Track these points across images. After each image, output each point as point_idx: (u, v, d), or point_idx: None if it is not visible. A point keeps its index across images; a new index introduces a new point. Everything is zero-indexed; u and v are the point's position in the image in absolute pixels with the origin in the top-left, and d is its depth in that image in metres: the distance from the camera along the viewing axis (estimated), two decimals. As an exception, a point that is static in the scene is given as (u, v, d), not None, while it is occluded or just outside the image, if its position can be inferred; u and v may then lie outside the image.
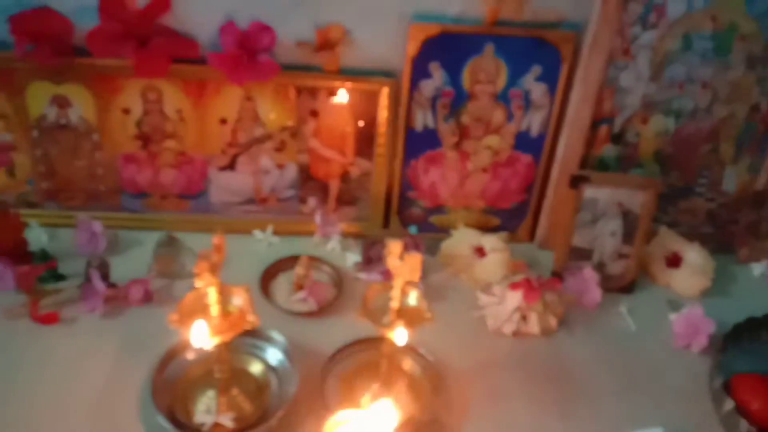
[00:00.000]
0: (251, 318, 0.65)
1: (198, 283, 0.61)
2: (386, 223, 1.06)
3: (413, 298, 0.71)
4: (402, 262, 0.65)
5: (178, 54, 0.89)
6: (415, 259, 0.64)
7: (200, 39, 0.90)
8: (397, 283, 0.67)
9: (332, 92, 0.95)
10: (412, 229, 1.05)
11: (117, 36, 0.85)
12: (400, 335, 0.66)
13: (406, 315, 0.69)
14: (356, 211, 1.04)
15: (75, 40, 0.88)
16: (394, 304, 0.68)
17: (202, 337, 0.62)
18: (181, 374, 0.76)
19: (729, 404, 0.77)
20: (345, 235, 1.03)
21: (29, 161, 0.96)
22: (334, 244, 1.02)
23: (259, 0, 0.88)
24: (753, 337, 0.91)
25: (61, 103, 0.92)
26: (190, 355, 0.77)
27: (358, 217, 1.05)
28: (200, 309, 0.65)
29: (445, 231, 1.04)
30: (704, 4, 0.90)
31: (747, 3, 0.91)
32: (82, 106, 0.92)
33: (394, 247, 0.65)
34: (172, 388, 0.74)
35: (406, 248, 0.96)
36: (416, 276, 0.65)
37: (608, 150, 1.00)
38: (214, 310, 0.64)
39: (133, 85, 0.91)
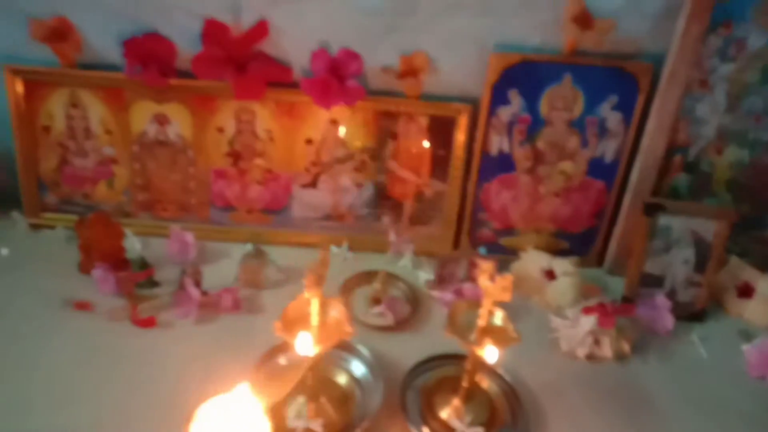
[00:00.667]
0: (347, 329, 0.69)
1: (306, 294, 0.65)
2: (456, 242, 1.09)
3: (498, 318, 0.73)
4: (494, 282, 0.68)
5: (273, 78, 0.95)
6: (507, 280, 0.67)
7: (293, 65, 0.96)
8: (486, 303, 0.70)
9: (412, 117, 0.99)
10: (482, 250, 1.08)
11: (219, 61, 0.92)
12: (490, 353, 0.68)
13: (492, 334, 0.72)
14: (428, 231, 1.08)
15: (177, 63, 0.95)
16: (482, 322, 0.71)
17: (307, 345, 0.66)
18: (274, 379, 0.80)
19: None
20: (416, 253, 1.06)
21: (128, 174, 1.03)
22: (405, 262, 1.06)
23: (349, 28, 0.93)
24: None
25: (161, 120, 0.99)
26: (281, 361, 0.81)
27: (429, 236, 1.08)
28: (301, 318, 0.69)
29: (513, 253, 1.07)
30: (785, 39, 0.92)
31: (830, 37, 0.92)
32: (180, 123, 0.99)
33: (487, 267, 0.68)
34: (265, 391, 0.78)
35: (475, 269, 1.00)
36: (507, 296, 0.68)
37: (681, 179, 1.02)
38: (315, 320, 0.68)
39: (228, 106, 0.98)
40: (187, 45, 0.94)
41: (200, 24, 0.92)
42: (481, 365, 0.82)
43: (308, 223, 1.07)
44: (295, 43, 0.95)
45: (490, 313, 0.72)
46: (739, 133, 0.98)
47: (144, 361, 0.84)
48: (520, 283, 1.03)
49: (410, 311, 0.95)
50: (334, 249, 1.06)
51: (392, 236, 1.05)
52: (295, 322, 0.69)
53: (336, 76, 0.94)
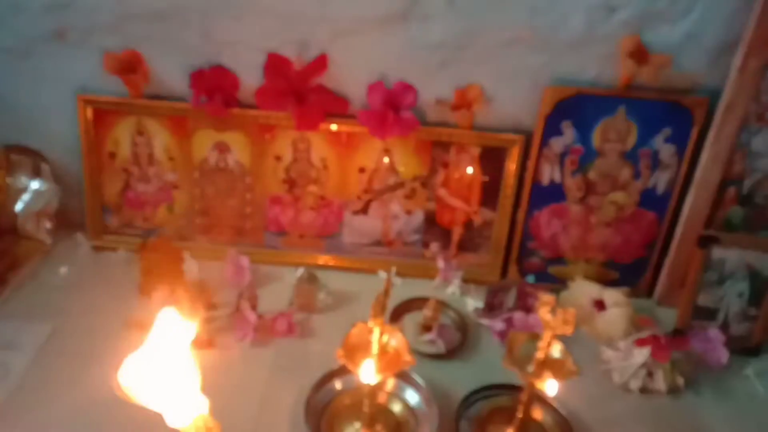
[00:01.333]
0: (407, 358, 0.70)
1: (370, 324, 0.67)
2: (504, 271, 1.10)
3: (557, 351, 0.74)
4: (555, 314, 0.69)
5: (331, 110, 0.98)
6: (570, 313, 0.68)
7: (350, 96, 1.00)
8: (547, 335, 0.71)
9: (463, 147, 1.01)
10: (530, 278, 1.09)
11: (280, 93, 0.96)
12: (551, 386, 0.69)
13: (550, 367, 0.72)
14: (476, 258, 1.09)
15: (239, 94, 1.00)
16: (541, 355, 0.72)
17: (370, 373, 0.67)
18: (329, 403, 0.82)
19: None
20: (464, 281, 1.07)
21: (187, 199, 1.07)
22: (454, 289, 1.07)
23: (406, 62, 0.96)
24: None
25: (222, 148, 1.03)
26: (337, 385, 0.83)
27: (477, 263, 1.09)
28: (361, 345, 0.71)
29: (562, 282, 1.07)
30: None
31: None
32: (239, 151, 1.03)
33: (548, 299, 0.69)
34: (320, 414, 0.80)
35: (524, 297, 1.01)
36: (569, 330, 0.68)
37: (735, 211, 1.01)
38: (375, 348, 0.70)
39: (286, 135, 1.01)
40: (248, 77, 0.98)
41: (262, 57, 0.96)
42: (536, 397, 0.82)
43: (358, 249, 1.09)
44: (352, 76, 0.98)
45: (550, 346, 0.73)
46: (796, 167, 0.97)
47: (203, 383, 0.86)
48: (570, 313, 1.03)
49: (460, 339, 0.96)
50: (382, 275, 1.08)
51: (440, 263, 1.06)
52: (356, 350, 0.71)
53: (392, 108, 0.96)
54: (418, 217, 1.07)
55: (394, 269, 1.08)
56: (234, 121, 1.01)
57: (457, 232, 1.08)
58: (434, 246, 1.09)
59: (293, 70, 0.96)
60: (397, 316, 1.00)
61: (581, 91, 0.94)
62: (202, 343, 0.91)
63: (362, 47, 0.95)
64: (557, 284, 1.07)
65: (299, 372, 0.86)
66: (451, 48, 0.95)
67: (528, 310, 1.01)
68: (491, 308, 1.01)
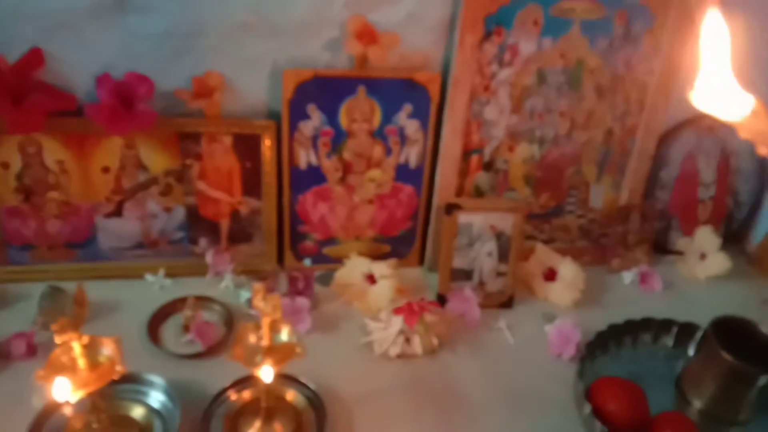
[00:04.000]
0: (119, 368, 0.67)
1: (57, 340, 0.62)
2: (280, 257, 1.09)
3: (285, 334, 0.74)
4: (265, 302, 0.69)
5: (55, 107, 0.90)
6: (275, 298, 0.68)
7: (78, 91, 0.92)
8: (265, 322, 0.71)
9: (214, 136, 0.98)
10: (307, 262, 1.10)
11: (-11, 93, 0.86)
12: (266, 373, 0.69)
13: (278, 352, 0.73)
14: (250, 248, 1.08)
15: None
16: (265, 342, 0.72)
17: (64, 391, 0.63)
18: (61, 428, 0.76)
19: (587, 408, 0.84)
20: (238, 273, 1.06)
21: None
22: (227, 282, 1.04)
23: (135, 54, 0.91)
24: (619, 342, 1.00)
25: (-66, 160, 0.91)
26: (67, 410, 0.77)
27: (252, 253, 1.08)
28: (69, 363, 0.66)
29: (339, 261, 1.09)
30: (552, 44, 1.00)
31: (590, 42, 1.02)
32: (-44, 162, 0.92)
33: (258, 288, 0.69)
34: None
35: (294, 282, 1.01)
36: (278, 314, 0.69)
37: (481, 177, 1.08)
38: (81, 363, 0.66)
39: (10, 139, 0.92)
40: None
41: (-36, 56, 0.86)
42: (281, 381, 0.83)
43: (119, 254, 1.03)
44: (77, 70, 0.91)
45: (276, 330, 0.73)
46: (527, 132, 1.06)
47: None
48: (344, 291, 1.06)
49: (226, 333, 0.94)
50: (150, 278, 1.03)
51: (209, 258, 1.03)
52: (63, 368, 0.66)
53: (124, 101, 0.91)
54: (179, 213, 1.02)
55: (162, 271, 1.04)
56: (-58, 128, 0.89)
57: (225, 225, 1.05)
58: (202, 242, 1.05)
59: (3, 66, 0.86)
60: (160, 319, 0.96)
61: (318, 74, 0.95)
62: None
63: (80, 40, 0.88)
64: (335, 264, 1.09)
65: (37, 399, 0.79)
66: (181, 37, 0.91)
67: (299, 293, 1.02)
68: (261, 297, 1.00)
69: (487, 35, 0.97)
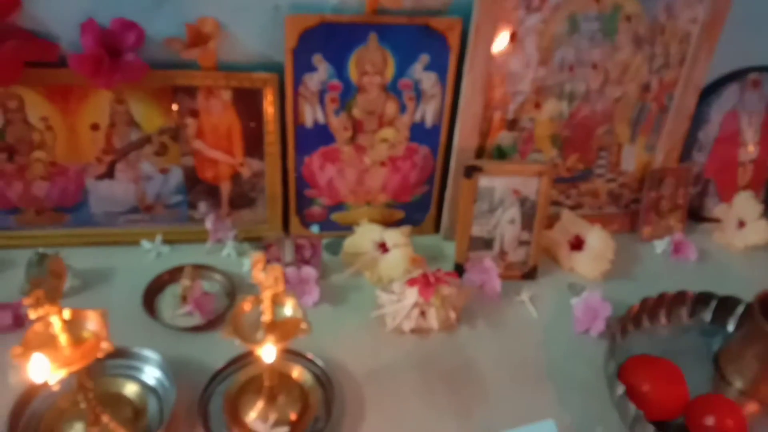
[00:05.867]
0: (105, 345, 0.60)
1: (32, 315, 0.56)
2: (285, 224, 1.02)
3: (289, 308, 0.67)
4: (266, 273, 0.61)
5: (34, 57, 0.81)
6: (277, 269, 0.60)
7: (61, 40, 0.83)
8: (266, 295, 0.63)
9: (212, 90, 0.89)
10: (314, 228, 1.02)
11: (-43, 40, 0.78)
12: (268, 352, 0.62)
13: (281, 327, 0.65)
14: (253, 214, 1.00)
15: None
16: (266, 317, 0.65)
17: (42, 371, 0.56)
18: (47, 408, 0.70)
19: (620, 388, 0.77)
20: (241, 240, 0.98)
21: None
22: (229, 250, 0.97)
23: (119, -4, 0.81)
24: (652, 318, 0.92)
25: None
26: (55, 387, 0.71)
27: (255, 219, 1.00)
28: (49, 339, 0.60)
29: (348, 228, 1.01)
30: (587, -14, 0.89)
31: (629, -17, 0.91)
32: (-69, 118, 0.84)
33: (257, 258, 0.62)
34: (36, 425, 0.69)
35: (300, 250, 0.94)
36: (281, 286, 0.61)
37: (504, 137, 0.99)
38: (63, 339, 0.59)
39: (-14, 94, 0.84)
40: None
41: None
42: (288, 357, 0.76)
43: (112, 219, 0.95)
44: (58, 15, 0.82)
45: (279, 304, 0.66)
46: (556, 86, 0.96)
47: None
48: (354, 260, 0.98)
49: (227, 306, 0.88)
50: (146, 244, 0.96)
51: (209, 224, 0.96)
52: (42, 344, 0.60)
53: (111, 50, 0.82)
54: (176, 175, 0.94)
55: (159, 237, 0.97)
56: None
57: (225, 188, 0.97)
58: (202, 206, 0.98)
59: (-27, 11, 0.78)
60: (157, 290, 0.89)
61: (325, 19, 0.85)
62: None
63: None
64: (343, 231, 1.01)
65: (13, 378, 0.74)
66: (172, -25, 0.81)
67: (306, 262, 0.94)
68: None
69: (514, -25, 0.86)
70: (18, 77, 0.81)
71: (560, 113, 0.99)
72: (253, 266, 0.62)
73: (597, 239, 1.01)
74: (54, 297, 0.56)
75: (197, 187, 0.96)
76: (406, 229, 0.99)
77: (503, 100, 0.95)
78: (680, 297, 0.93)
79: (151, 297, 0.87)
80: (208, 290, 0.88)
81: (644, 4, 0.92)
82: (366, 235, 0.99)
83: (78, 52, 0.83)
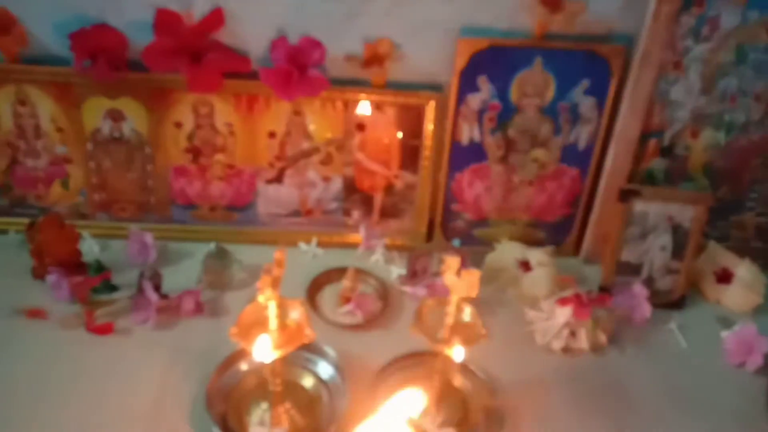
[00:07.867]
0: (308, 332, 0.65)
1: (260, 298, 0.61)
2: (429, 236, 1.06)
3: (467, 314, 0.70)
4: (459, 278, 0.65)
5: (230, 69, 0.90)
6: (473, 275, 0.64)
7: (252, 54, 0.92)
8: (454, 299, 0.67)
9: (379, 106, 0.95)
10: (455, 243, 1.05)
11: (171, 51, 0.87)
12: (457, 352, 0.65)
13: (461, 331, 0.69)
14: (400, 224, 1.05)
15: (130, 55, 0.90)
16: (450, 320, 0.68)
17: (264, 350, 0.62)
18: (235, 385, 0.76)
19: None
20: (389, 248, 1.03)
21: (82, 173, 0.98)
22: (377, 257, 1.02)
23: (309, 15, 0.89)
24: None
25: (116, 116, 0.94)
26: (243, 366, 0.77)
27: (401, 229, 1.05)
28: (259, 322, 0.66)
29: (488, 244, 1.04)
30: (759, 16, 0.89)
31: (803, 15, 0.90)
32: (135, 119, 0.94)
33: (452, 262, 0.65)
34: (225, 398, 0.75)
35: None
36: (474, 292, 0.65)
37: (657, 163, 0.99)
38: (273, 323, 0.65)
39: (185, 100, 0.93)
40: (139, 36, 0.89)
41: (152, 13, 0.87)
42: (452, 363, 0.79)
43: (275, 220, 1.03)
44: (253, 32, 0.90)
45: (459, 310, 0.69)
46: (715, 116, 0.96)
47: (99, 370, 0.80)
48: (496, 276, 1.00)
49: (381, 308, 0.92)
50: (303, 246, 1.03)
51: (362, 231, 1.01)
52: (253, 327, 0.66)
53: (297, 66, 0.89)
54: (337, 183, 1.01)
55: (315, 240, 1.03)
56: (125, 85, 0.92)
57: (378, 198, 1.03)
58: (356, 214, 1.03)
59: (185, 26, 0.87)
60: (317, 287, 0.95)
61: (495, 43, 0.89)
62: (99, 328, 0.84)
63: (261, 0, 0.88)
64: (483, 247, 1.04)
65: (205, 354, 0.81)
66: (355, -1, 0.88)
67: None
68: (414, 275, 0.97)
69: (686, 5, 0.87)
70: (220, 87, 0.89)
71: (717, 143, 0.98)
72: (445, 270, 0.66)
73: (748, 273, 0.99)
74: (276, 284, 0.62)
75: (353, 195, 1.02)
76: (549, 249, 1.01)
77: (660, 126, 0.96)
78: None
79: (312, 295, 0.93)
80: (364, 292, 0.93)
81: (817, 36, 0.91)
82: (507, 252, 1.01)
83: (266, 66, 0.91)
